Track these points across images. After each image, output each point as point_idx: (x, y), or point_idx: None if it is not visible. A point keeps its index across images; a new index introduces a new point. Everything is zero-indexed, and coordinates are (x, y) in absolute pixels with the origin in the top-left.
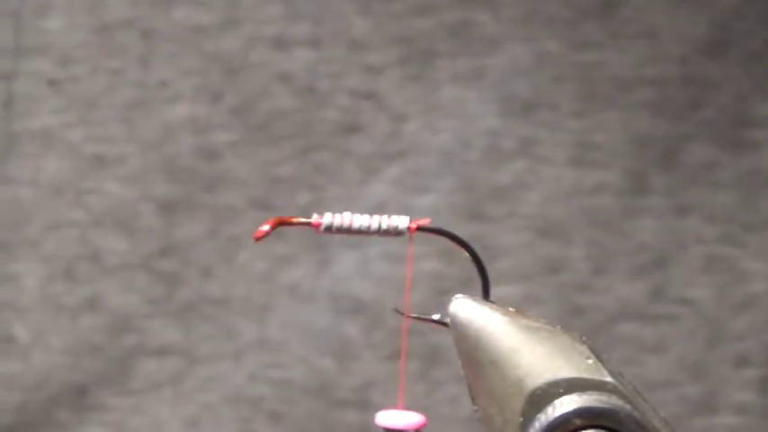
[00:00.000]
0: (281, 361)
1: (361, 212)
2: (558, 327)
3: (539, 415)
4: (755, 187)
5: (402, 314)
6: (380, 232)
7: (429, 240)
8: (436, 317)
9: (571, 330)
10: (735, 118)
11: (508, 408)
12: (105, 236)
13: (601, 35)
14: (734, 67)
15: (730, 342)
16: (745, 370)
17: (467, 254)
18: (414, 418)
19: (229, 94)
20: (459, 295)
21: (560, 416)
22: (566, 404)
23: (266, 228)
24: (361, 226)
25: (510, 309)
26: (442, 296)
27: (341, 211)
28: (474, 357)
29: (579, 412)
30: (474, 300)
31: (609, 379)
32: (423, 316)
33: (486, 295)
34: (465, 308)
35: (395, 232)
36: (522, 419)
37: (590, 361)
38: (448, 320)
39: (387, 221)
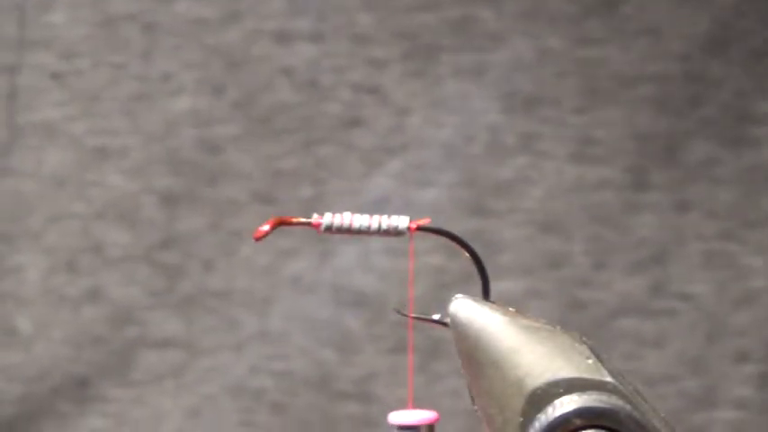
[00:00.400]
0: (283, 353)
1: (364, 206)
2: (558, 327)
3: (539, 415)
4: (755, 184)
5: (405, 315)
6: (380, 232)
7: (432, 234)
8: (436, 317)
9: (571, 329)
10: (735, 115)
11: (508, 408)
12: (107, 228)
13: (603, 32)
14: (734, 65)
15: (730, 337)
16: (745, 365)
17: (467, 253)
18: (426, 415)
19: (232, 87)
20: (459, 295)
21: (560, 416)
22: (566, 404)
23: (266, 228)
24: (361, 226)
25: (510, 309)
26: (445, 290)
27: (343, 205)
28: (474, 357)
29: (579, 412)
30: (474, 300)
31: (609, 379)
32: (423, 316)
33: (486, 295)
34: (465, 308)
35: (395, 232)
36: (522, 419)
37: (590, 361)
38: (448, 320)
39: (387, 221)
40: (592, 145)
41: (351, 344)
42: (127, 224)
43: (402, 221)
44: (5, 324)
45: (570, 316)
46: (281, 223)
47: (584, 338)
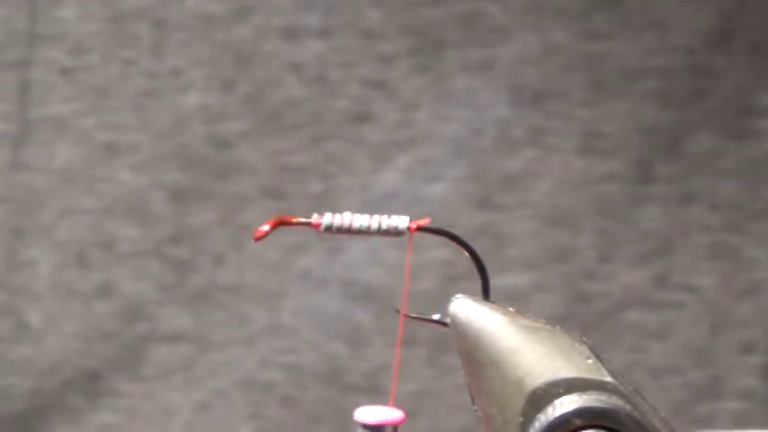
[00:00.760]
0: (293, 346)
1: (372, 201)
2: (558, 327)
3: (539, 415)
4: (759, 176)
5: (406, 315)
6: (380, 232)
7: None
8: (436, 317)
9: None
10: (739, 108)
11: (508, 408)
12: (118, 223)
13: (609, 26)
14: (738, 59)
15: (734, 329)
16: (750, 356)
17: (466, 253)
18: (392, 414)
19: (241, 83)
20: (459, 295)
21: (560, 416)
22: (566, 404)
23: (266, 228)
24: (361, 226)
25: (510, 309)
26: (453, 284)
27: (351, 200)
28: (474, 357)
29: (579, 412)
30: (474, 300)
31: (609, 379)
32: (422, 316)
33: (486, 295)
34: (465, 308)
35: (395, 232)
36: (522, 419)
37: (590, 361)
38: (448, 320)
39: (387, 222)
40: (598, 138)
41: (360, 337)
42: (137, 219)
43: (402, 221)
44: (17, 318)
45: (576, 308)
46: (280, 223)
47: (583, 338)
